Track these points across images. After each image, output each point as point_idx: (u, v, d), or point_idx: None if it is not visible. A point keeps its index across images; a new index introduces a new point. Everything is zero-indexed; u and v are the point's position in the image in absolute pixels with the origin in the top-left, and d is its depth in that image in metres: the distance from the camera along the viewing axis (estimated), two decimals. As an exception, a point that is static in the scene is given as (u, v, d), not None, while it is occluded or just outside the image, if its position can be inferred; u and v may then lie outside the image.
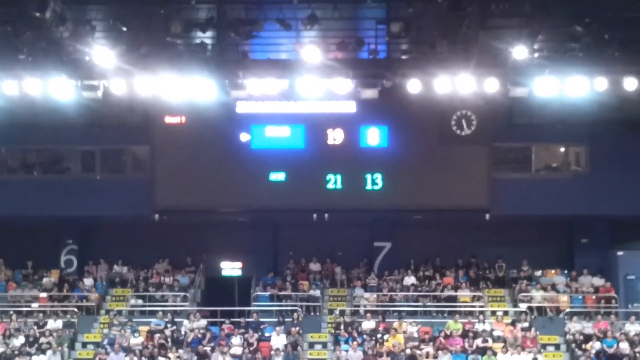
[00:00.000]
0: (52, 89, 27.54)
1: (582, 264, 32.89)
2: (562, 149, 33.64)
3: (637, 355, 28.58)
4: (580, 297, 31.80)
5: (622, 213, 31.91)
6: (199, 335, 30.10)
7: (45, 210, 32.54)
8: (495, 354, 28.99)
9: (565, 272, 32.93)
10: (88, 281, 33.23)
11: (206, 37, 27.14)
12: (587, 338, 29.57)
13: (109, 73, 26.84)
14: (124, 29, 25.88)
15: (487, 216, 31.87)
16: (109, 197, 32.59)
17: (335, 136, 31.67)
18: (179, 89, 27.74)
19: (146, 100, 28.68)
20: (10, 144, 33.62)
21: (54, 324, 30.92)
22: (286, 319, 31.04)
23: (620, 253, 32.71)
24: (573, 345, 29.60)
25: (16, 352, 29.53)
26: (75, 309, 31.80)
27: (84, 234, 34.62)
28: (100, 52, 26.12)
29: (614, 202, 31.73)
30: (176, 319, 31.00)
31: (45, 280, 33.18)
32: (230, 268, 32.87)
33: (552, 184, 32.39)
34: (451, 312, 31.27)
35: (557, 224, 33.58)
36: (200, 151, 31.75)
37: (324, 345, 30.87)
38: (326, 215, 32.31)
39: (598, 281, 32.36)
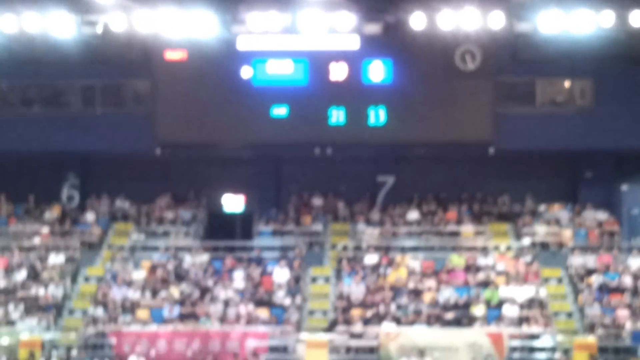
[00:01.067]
0: (51, 25, 27.15)
1: (586, 198, 32.81)
2: (567, 84, 33.30)
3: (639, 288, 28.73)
4: (583, 231, 31.76)
5: (627, 147, 31.78)
6: (202, 270, 30.17)
7: (45, 145, 32.54)
8: (497, 287, 29.04)
9: (569, 206, 32.84)
10: (90, 216, 33.22)
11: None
12: (590, 272, 29.62)
13: (109, 8, 26.42)
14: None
15: (491, 150, 31.72)
16: (110, 132, 32.51)
17: (339, 72, 31.36)
18: (179, 24, 27.34)
19: (146, 35, 28.31)
20: (10, 80, 33.28)
21: (56, 258, 30.97)
22: (288, 254, 31.07)
23: (624, 187, 32.56)
24: (575, 278, 29.66)
25: (19, 287, 29.63)
26: (78, 244, 31.80)
27: (86, 169, 34.53)
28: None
29: (619, 136, 31.58)
30: (178, 254, 31.04)
31: (47, 214, 33.18)
32: (233, 203, 32.74)
33: (556, 119, 32.19)
34: (454, 246, 31.27)
35: (561, 159, 33.44)
36: (201, 86, 31.58)
37: (327, 279, 30.94)
38: (329, 150, 32.17)
39: (602, 215, 32.30)
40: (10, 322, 28.45)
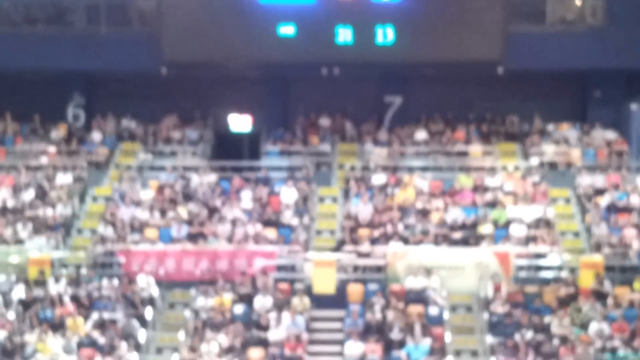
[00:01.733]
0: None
1: (595, 117, 32.64)
2: (578, 2, 32.86)
3: (648, 208, 28.72)
4: (592, 151, 31.63)
5: (638, 66, 31.42)
6: (209, 190, 30.19)
7: (49, 64, 32.35)
8: (505, 207, 29.05)
9: (578, 126, 32.67)
10: (96, 135, 33.15)
11: None
12: (598, 191, 29.58)
13: None
14: None
15: (500, 70, 31.40)
16: (115, 51, 32.22)
17: (346, -11, 31.00)
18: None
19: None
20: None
21: (64, 178, 30.98)
22: (296, 174, 31.05)
23: (634, 107, 32.23)
24: (583, 198, 29.64)
25: (27, 206, 29.73)
26: (85, 163, 31.79)
27: (91, 88, 34.34)
28: None
29: (630, 55, 31.23)
30: (186, 174, 31.04)
31: (53, 134, 33.12)
32: (240, 123, 32.58)
33: (566, 37, 31.82)
34: (462, 166, 31.20)
35: (571, 78, 33.17)
36: (207, 5, 31.26)
37: (334, 199, 30.99)
38: (336, 69, 31.90)
39: (610, 135, 32.15)
40: (19, 241, 28.60)
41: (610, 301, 25.80)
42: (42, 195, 30.19)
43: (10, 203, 29.85)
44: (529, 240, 27.94)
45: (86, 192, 31.18)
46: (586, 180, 30.09)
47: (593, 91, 32.93)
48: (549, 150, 31.64)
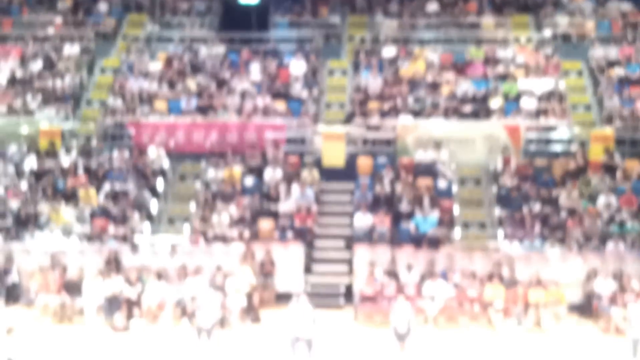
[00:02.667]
0: None
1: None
2: None
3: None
4: (606, 22, 31.07)
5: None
6: (218, 62, 29.95)
7: None
8: (516, 80, 28.82)
9: (594, -5, 32.03)
10: (103, 6, 32.68)
11: None
12: (611, 63, 29.24)
13: None
14: None
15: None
16: None
17: None
18: None
19: None
20: None
21: (71, 49, 30.72)
22: (305, 46, 30.70)
23: (651, -23, 31.59)
24: (595, 71, 29.35)
25: (35, 77, 29.61)
26: (92, 34, 31.47)
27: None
28: None
29: None
30: (194, 45, 30.73)
31: (59, 4, 32.65)
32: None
33: None
34: (473, 38, 30.76)
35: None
36: None
37: (344, 72, 30.73)
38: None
39: (626, 6, 31.51)
40: (29, 112, 28.64)
41: (619, 174, 25.87)
42: (50, 66, 30.04)
43: (19, 74, 29.75)
44: (539, 113, 27.81)
45: (94, 64, 30.98)
46: (599, 53, 29.70)
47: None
48: (563, 21, 31.11)
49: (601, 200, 25.04)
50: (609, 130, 26.94)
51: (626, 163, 26.24)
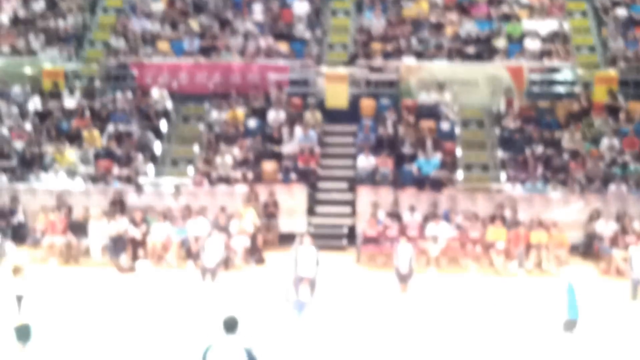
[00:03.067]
0: None
1: None
2: None
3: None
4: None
5: None
6: (220, 1, 29.74)
7: None
8: (520, 21, 28.66)
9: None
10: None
11: None
12: (615, 4, 29.05)
13: None
14: None
15: None
16: None
17: None
18: None
19: None
20: None
21: (73, -13, 30.57)
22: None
23: None
24: (600, 11, 29.15)
25: (37, 17, 29.48)
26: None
27: None
28: None
29: None
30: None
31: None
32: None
33: None
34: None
35: None
36: None
37: (347, 12, 30.54)
38: None
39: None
40: (32, 52, 28.58)
41: (622, 116, 25.88)
42: (52, 6, 29.90)
43: (21, 13, 29.62)
44: (543, 54, 27.72)
45: (96, 3, 30.79)
46: (604, -7, 29.51)
47: None
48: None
49: (604, 142, 25.09)
50: (612, 72, 26.88)
51: (629, 105, 26.25)
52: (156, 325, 17.03)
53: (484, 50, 27.91)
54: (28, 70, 28.00)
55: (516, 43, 28.14)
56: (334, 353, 15.75)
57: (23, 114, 26.75)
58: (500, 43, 28.06)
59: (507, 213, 22.92)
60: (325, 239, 22.75)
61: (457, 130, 26.27)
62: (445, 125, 26.08)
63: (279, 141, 25.72)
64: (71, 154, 25.32)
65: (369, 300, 19.16)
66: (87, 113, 26.46)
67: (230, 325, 10.78)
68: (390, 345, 16.12)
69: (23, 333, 14.21)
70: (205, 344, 10.80)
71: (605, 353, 15.88)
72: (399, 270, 19.88)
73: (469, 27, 28.53)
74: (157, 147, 26.10)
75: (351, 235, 23.77)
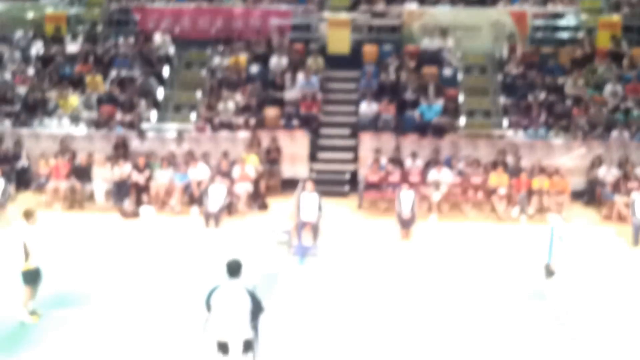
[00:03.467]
0: None
1: None
2: None
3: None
4: None
5: None
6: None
7: None
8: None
9: None
10: None
11: None
12: None
13: None
14: None
15: None
16: None
17: None
18: None
19: None
20: None
21: None
22: None
23: None
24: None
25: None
26: None
27: None
28: None
29: None
30: None
31: None
32: None
33: None
34: None
35: None
36: None
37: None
38: None
39: None
40: (34, -3, 28.53)
41: (625, 62, 25.80)
42: (53, -50, 29.66)
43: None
44: (547, -1, 27.59)
45: None
46: None
47: None
48: None
49: (607, 88, 25.06)
50: (616, 18, 26.74)
51: (633, 51, 26.15)
52: (160, 270, 17.21)
53: (488, -5, 27.76)
54: (30, 15, 27.89)
55: (520, -11, 27.98)
56: (335, 298, 15.94)
57: (26, 58, 26.71)
58: (504, -11, 27.88)
59: (509, 159, 22.99)
60: (328, 185, 22.85)
61: (460, 76, 26.22)
62: (447, 71, 26.03)
63: (281, 87, 25.70)
64: (74, 99, 25.34)
65: (371, 246, 19.32)
66: (90, 58, 26.41)
67: (234, 269, 10.93)
68: (390, 292, 16.30)
69: (32, 277, 14.39)
70: (209, 288, 10.95)
71: (605, 300, 16.06)
72: (401, 216, 20.01)
73: (473, -28, 28.31)
74: (160, 92, 26.09)
75: (353, 181, 23.88)
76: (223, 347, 11.03)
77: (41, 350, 13.36)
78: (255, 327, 10.77)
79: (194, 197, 21.98)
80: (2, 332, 14.12)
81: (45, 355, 13.19)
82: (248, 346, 11.02)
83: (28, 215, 14.63)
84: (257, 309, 10.78)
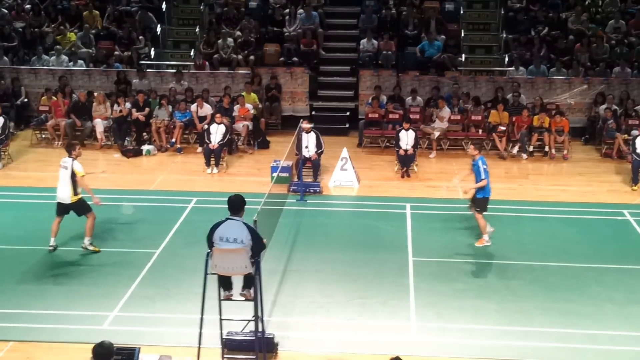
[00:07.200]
0: None
1: None
2: None
3: None
4: None
5: None
6: None
7: None
8: None
9: None
10: None
11: None
12: None
13: None
14: None
15: None
16: None
17: None
18: None
19: None
20: None
21: None
22: None
23: None
24: None
25: None
26: None
27: None
28: None
29: None
30: None
31: None
32: None
33: None
34: None
35: None
36: None
37: None
38: None
39: None
40: None
41: (629, -4, 25.57)
42: None
43: None
44: None
45: None
46: None
47: None
48: None
49: (610, 23, 24.80)
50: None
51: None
52: (161, 207, 17.24)
53: None
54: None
55: None
56: (334, 234, 16.01)
57: (21, -7, 26.43)
58: None
59: (510, 96, 22.85)
60: (328, 122, 22.78)
61: (462, 10, 25.93)
62: (449, 6, 25.74)
63: (280, 23, 25.44)
64: (72, 35, 25.10)
65: (370, 183, 19.31)
66: (87, -7, 26.15)
67: (236, 205, 10.92)
68: (389, 229, 16.37)
69: (84, 206, 14.69)
70: (211, 223, 10.96)
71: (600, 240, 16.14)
72: (401, 153, 19.95)
73: None
74: (158, 29, 25.84)
75: (353, 118, 23.78)
76: (225, 283, 11.09)
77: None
78: (256, 263, 10.80)
79: (194, 135, 21.90)
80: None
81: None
82: (249, 282, 11.08)
83: (71, 147, 14.75)
84: (258, 245, 10.80)
